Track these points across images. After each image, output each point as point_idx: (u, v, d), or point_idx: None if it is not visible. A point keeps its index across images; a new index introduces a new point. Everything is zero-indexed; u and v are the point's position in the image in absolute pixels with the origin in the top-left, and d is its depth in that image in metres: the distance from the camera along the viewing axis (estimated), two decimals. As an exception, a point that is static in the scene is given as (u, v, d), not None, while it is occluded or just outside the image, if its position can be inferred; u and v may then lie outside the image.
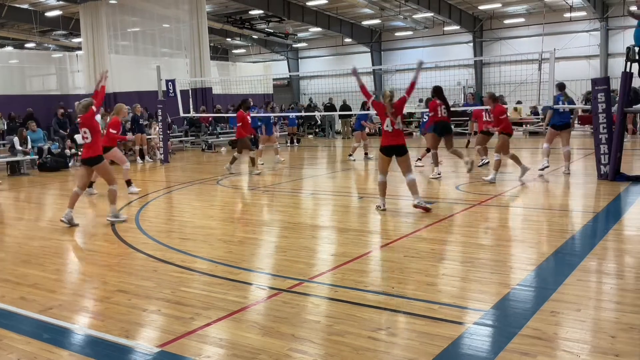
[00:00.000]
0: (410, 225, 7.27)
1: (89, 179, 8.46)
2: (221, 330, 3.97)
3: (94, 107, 7.67)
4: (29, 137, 15.50)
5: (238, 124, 12.93)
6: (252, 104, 13.63)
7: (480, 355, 3.47)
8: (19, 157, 14.99)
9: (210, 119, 22.61)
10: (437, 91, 11.41)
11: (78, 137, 17.52)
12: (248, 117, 13.04)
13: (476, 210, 8.08)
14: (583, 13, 28.51)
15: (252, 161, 13.27)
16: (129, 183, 10.63)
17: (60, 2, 24.96)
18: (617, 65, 28.12)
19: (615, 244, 6.11)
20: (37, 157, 15.40)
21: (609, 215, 7.62)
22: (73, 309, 4.52)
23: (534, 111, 23.16)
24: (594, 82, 10.67)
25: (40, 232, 7.77)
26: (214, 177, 12.97)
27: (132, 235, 7.07)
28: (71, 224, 7.69)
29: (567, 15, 28.68)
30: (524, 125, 24.10)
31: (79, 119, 7.85)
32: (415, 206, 7.84)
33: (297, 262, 5.67)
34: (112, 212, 7.91)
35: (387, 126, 7.84)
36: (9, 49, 29.62)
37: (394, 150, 7.87)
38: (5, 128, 22.34)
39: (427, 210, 7.78)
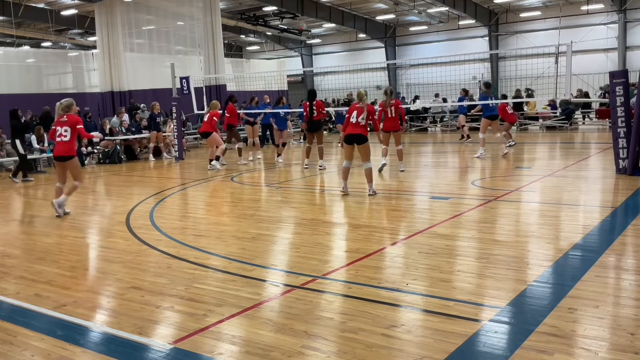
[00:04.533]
0: (425, 221, 7.21)
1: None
2: (234, 327, 3.95)
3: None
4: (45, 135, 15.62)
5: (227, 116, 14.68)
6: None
7: (496, 353, 3.41)
8: (35, 155, 15.13)
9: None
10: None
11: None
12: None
13: (492, 206, 8.00)
14: (600, 5, 28.10)
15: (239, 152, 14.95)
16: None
17: (76, 1, 25.15)
18: (636, 58, 27.88)
19: (634, 239, 5.99)
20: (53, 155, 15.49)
21: (628, 210, 7.49)
22: (87, 305, 4.54)
23: (552, 105, 22.75)
24: (612, 75, 10.51)
25: (56, 229, 7.82)
26: (229, 173, 12.99)
27: (146, 232, 7.10)
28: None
29: (585, 7, 28.34)
30: (540, 120, 23.74)
31: (66, 117, 8.29)
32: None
33: (311, 258, 5.64)
34: (62, 200, 8.41)
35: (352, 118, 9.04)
36: (26, 48, 29.93)
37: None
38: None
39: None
